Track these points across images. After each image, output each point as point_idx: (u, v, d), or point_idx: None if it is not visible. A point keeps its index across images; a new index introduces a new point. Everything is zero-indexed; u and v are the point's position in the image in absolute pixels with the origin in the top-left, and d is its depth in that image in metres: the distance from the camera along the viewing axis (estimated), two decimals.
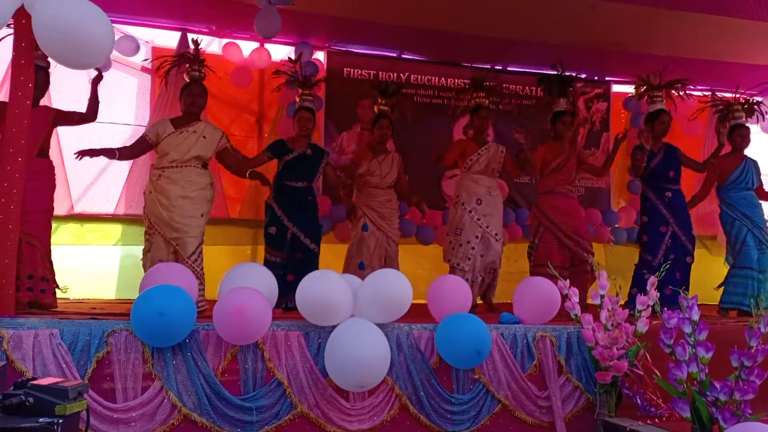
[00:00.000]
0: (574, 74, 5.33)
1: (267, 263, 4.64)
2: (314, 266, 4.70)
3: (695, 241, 5.19)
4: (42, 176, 4.28)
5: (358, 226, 5.18)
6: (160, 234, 4.29)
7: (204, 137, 4.44)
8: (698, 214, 6.90)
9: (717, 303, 5.38)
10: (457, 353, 3.37)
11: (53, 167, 4.47)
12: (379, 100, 5.41)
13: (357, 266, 5.03)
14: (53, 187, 4.44)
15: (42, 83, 4.24)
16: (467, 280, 4.92)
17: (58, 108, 4.53)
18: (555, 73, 5.28)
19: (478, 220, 5.07)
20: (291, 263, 4.68)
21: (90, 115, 4.57)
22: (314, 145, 5.14)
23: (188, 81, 4.59)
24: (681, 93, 5.38)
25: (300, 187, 4.84)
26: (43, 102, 4.56)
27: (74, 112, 4.52)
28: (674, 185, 5.22)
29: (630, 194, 7.38)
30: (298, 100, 5.10)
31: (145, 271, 4.33)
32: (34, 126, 4.09)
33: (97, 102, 4.57)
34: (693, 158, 5.59)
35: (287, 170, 4.85)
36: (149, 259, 4.32)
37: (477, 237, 5.05)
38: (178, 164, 4.34)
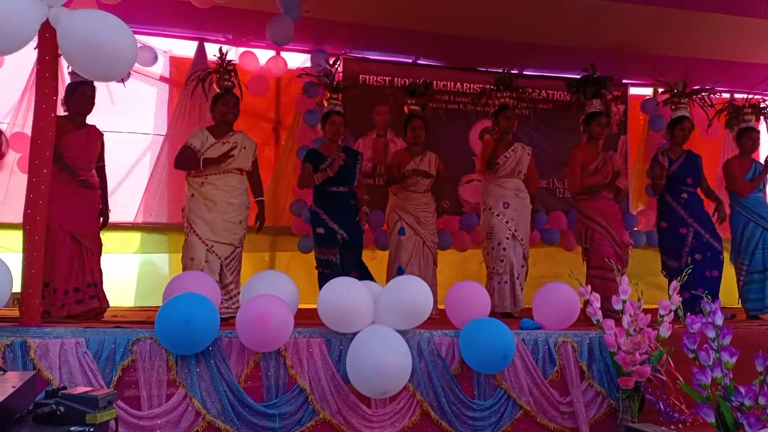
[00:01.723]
0: (607, 75, 5.24)
1: (321, 262, 4.72)
2: (360, 265, 4.75)
3: (721, 239, 5.14)
4: (95, 189, 4.36)
5: (394, 231, 5.09)
6: (196, 234, 4.30)
7: (244, 148, 4.50)
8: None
9: (735, 306, 5.33)
10: (482, 358, 3.37)
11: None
12: (409, 101, 5.35)
13: (396, 272, 4.96)
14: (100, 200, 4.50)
15: (89, 97, 4.28)
16: (505, 282, 4.96)
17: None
18: (587, 74, 5.19)
19: (507, 223, 5.03)
20: (347, 262, 4.70)
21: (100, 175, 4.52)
22: (347, 147, 5.09)
23: (220, 91, 4.60)
24: (705, 102, 5.33)
25: (342, 192, 4.83)
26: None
27: (102, 162, 4.49)
28: (692, 188, 5.19)
29: (648, 197, 7.34)
30: (326, 104, 5.09)
31: (184, 263, 4.37)
32: (91, 142, 4.27)
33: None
34: (707, 177, 5.48)
35: (328, 177, 4.79)
36: (184, 258, 4.35)
37: (508, 239, 5.02)
38: (220, 172, 4.40)
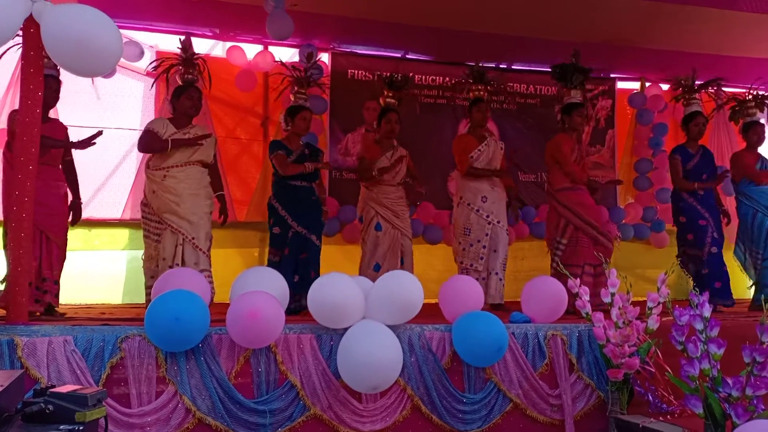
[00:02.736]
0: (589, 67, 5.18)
1: (270, 264, 4.63)
2: (317, 263, 4.69)
3: (724, 239, 5.26)
4: (62, 183, 4.32)
5: (371, 227, 5.05)
6: (168, 227, 4.26)
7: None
8: None
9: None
10: (476, 351, 3.38)
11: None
12: (386, 93, 5.29)
13: (372, 268, 4.94)
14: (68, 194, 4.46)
15: (54, 91, 4.25)
16: (483, 279, 4.89)
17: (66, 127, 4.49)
18: (571, 63, 5.11)
19: (487, 217, 4.96)
20: (294, 263, 4.63)
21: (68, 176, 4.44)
22: (308, 143, 5.02)
23: (182, 84, 4.56)
24: (714, 92, 5.43)
25: (303, 186, 4.77)
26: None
27: (70, 156, 4.42)
28: (706, 185, 5.27)
29: (636, 191, 7.39)
30: (293, 98, 4.99)
31: (146, 276, 4.35)
32: (57, 134, 4.21)
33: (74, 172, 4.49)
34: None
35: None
36: (156, 257, 4.31)
37: (487, 235, 4.96)
38: (182, 164, 4.36)
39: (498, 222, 4.99)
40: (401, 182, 5.15)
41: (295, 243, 4.65)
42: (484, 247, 4.95)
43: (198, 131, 4.47)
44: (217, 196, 4.62)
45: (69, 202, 4.39)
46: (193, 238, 4.29)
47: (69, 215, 4.38)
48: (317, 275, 4.53)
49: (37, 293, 4.07)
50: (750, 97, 5.52)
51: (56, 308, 4.23)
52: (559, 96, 5.25)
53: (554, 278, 3.95)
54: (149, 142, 4.37)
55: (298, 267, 4.63)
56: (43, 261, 4.12)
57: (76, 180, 4.49)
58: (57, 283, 4.25)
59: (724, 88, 6.86)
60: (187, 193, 4.31)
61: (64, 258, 4.29)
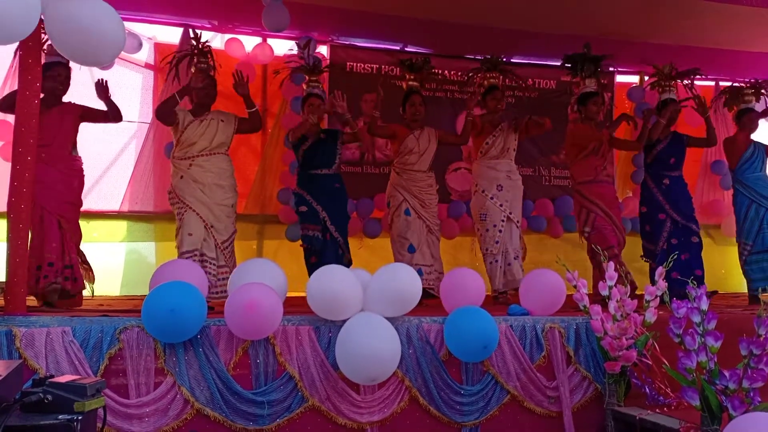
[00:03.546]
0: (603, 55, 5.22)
1: (306, 239, 4.65)
2: (338, 256, 4.64)
3: (698, 223, 5.23)
4: (77, 172, 4.33)
5: (400, 211, 4.95)
6: (194, 211, 4.26)
7: (222, 121, 4.47)
8: (702, 203, 6.91)
9: (725, 291, 5.41)
10: (464, 347, 3.39)
11: (82, 163, 4.48)
12: (408, 76, 5.25)
13: (407, 248, 4.88)
14: (83, 183, 4.45)
15: (64, 79, 4.24)
16: (496, 262, 4.92)
17: (83, 105, 4.50)
18: (582, 53, 5.18)
19: (501, 206, 4.98)
20: (325, 243, 4.63)
21: (114, 116, 4.53)
22: (325, 129, 4.98)
23: (195, 73, 4.56)
24: (690, 83, 5.41)
25: (325, 174, 4.76)
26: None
27: (100, 111, 4.49)
28: (674, 172, 5.26)
29: (634, 184, 7.38)
30: (305, 87, 5.01)
31: (179, 246, 4.33)
32: (66, 121, 4.20)
33: (115, 106, 4.52)
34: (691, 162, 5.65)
35: (307, 159, 4.77)
36: (181, 235, 4.30)
37: (503, 221, 4.97)
38: (207, 152, 4.37)
39: (510, 214, 5.02)
40: (430, 168, 5.09)
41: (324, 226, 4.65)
42: (500, 231, 4.96)
43: (215, 115, 4.48)
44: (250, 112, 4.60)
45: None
46: (212, 226, 4.29)
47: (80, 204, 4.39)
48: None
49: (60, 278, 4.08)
50: (747, 84, 5.53)
51: (71, 292, 4.19)
52: (569, 88, 5.26)
53: (553, 271, 3.95)
54: (164, 107, 4.42)
55: (321, 249, 4.64)
56: (64, 246, 4.12)
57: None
58: (71, 267, 4.20)
59: (722, 82, 6.88)
60: (211, 183, 4.32)
61: (80, 242, 4.31)
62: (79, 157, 4.40)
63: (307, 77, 5.02)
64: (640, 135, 5.30)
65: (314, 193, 4.71)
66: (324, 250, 4.61)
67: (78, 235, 4.30)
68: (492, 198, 5.00)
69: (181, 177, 4.34)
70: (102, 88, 4.47)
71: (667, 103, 5.28)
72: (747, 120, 5.45)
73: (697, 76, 5.50)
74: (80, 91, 4.81)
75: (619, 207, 5.20)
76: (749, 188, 5.33)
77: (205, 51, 4.60)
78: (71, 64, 4.19)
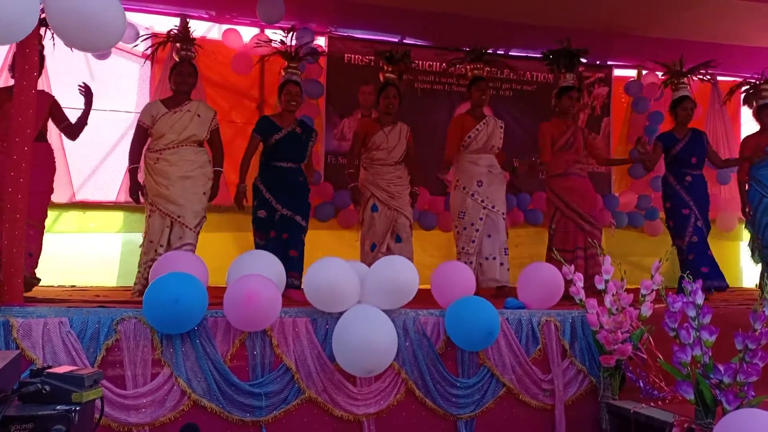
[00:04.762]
0: (582, 48, 5.23)
1: (257, 247, 4.52)
2: (298, 242, 4.56)
3: (710, 228, 5.28)
4: (42, 160, 4.27)
5: (367, 208, 4.94)
6: (158, 210, 4.28)
7: (198, 116, 4.42)
8: None
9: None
10: (468, 335, 3.39)
11: (52, 150, 4.49)
12: (385, 68, 5.18)
13: (369, 248, 4.88)
14: (54, 170, 4.46)
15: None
16: (470, 263, 4.85)
17: (56, 98, 4.48)
18: (561, 48, 5.19)
19: (482, 202, 4.93)
20: (281, 245, 4.49)
21: (73, 132, 4.50)
22: (302, 121, 4.85)
23: (177, 60, 4.55)
24: (706, 78, 5.45)
25: (289, 168, 4.61)
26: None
27: (65, 117, 4.46)
28: (696, 170, 5.26)
29: (631, 178, 7.41)
30: (283, 73, 4.88)
31: (142, 255, 4.35)
32: (40, 106, 4.08)
33: (83, 122, 4.52)
34: (716, 151, 5.65)
35: (275, 150, 4.60)
36: (146, 240, 4.34)
37: (481, 219, 4.92)
38: (174, 145, 4.34)
39: (493, 207, 4.96)
40: (400, 161, 5.02)
41: (280, 225, 4.53)
42: (477, 230, 4.92)
43: (193, 106, 4.43)
44: (214, 171, 4.54)
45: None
46: (179, 217, 4.28)
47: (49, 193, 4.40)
48: (299, 255, 4.51)
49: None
50: (764, 80, 5.51)
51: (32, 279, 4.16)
52: (556, 83, 5.27)
53: (550, 265, 3.96)
54: (131, 145, 4.51)
55: (284, 246, 4.51)
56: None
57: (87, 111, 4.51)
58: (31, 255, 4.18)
59: (720, 77, 6.89)
60: (177, 176, 4.28)
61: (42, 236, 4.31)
62: (48, 144, 4.40)
63: (286, 63, 4.89)
64: (613, 160, 5.55)
65: (273, 188, 4.56)
66: (290, 244, 4.50)
67: (42, 225, 4.30)
68: (473, 195, 4.95)
69: (147, 174, 4.34)
70: (88, 95, 4.45)
71: (680, 101, 5.28)
72: (765, 115, 5.42)
73: (710, 69, 5.50)
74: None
75: (593, 199, 5.16)
76: (762, 183, 5.32)
77: (190, 38, 4.57)
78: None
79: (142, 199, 4.47)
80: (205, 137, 4.48)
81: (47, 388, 2.02)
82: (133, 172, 4.43)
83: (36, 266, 4.27)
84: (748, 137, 5.61)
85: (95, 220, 6.14)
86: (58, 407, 1.98)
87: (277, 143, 4.62)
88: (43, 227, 4.36)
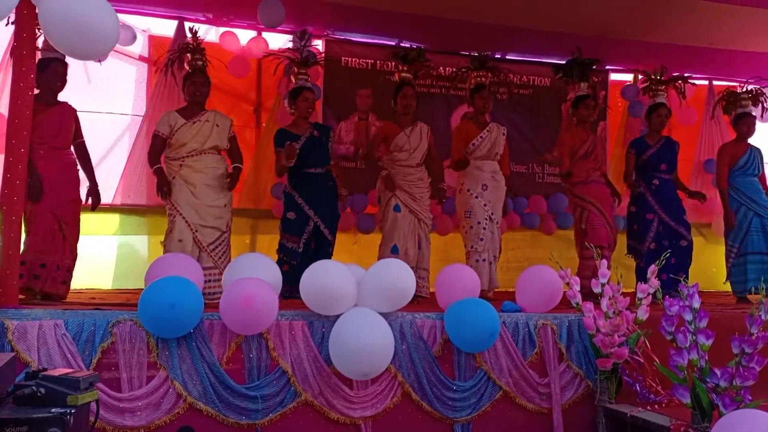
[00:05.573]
0: (593, 58, 5.28)
1: (283, 249, 4.51)
2: (328, 253, 4.59)
3: (689, 226, 5.24)
4: (74, 168, 4.32)
5: (389, 208, 4.85)
6: (182, 216, 4.26)
7: (217, 125, 4.45)
8: (694, 202, 6.93)
9: (716, 290, 5.44)
10: (470, 336, 3.39)
11: (76, 162, 4.46)
12: (401, 68, 5.13)
13: (390, 250, 4.78)
14: (79, 180, 4.44)
15: (61, 75, 4.22)
16: (482, 261, 4.89)
17: (77, 113, 4.44)
18: (572, 59, 5.25)
19: (485, 205, 4.96)
20: (305, 252, 4.49)
21: (82, 155, 4.44)
22: (316, 124, 4.86)
23: (190, 71, 4.56)
24: (682, 88, 5.48)
25: (318, 173, 4.63)
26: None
27: (81, 134, 4.42)
28: (665, 175, 5.28)
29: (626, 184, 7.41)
30: (294, 80, 4.87)
31: (168, 244, 4.32)
32: (65, 119, 4.21)
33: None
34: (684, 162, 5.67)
35: (300, 158, 4.56)
36: (171, 239, 4.30)
37: (486, 219, 4.95)
38: (197, 153, 4.36)
39: (492, 214, 5.00)
40: (421, 162, 4.99)
41: (311, 232, 4.54)
42: (485, 228, 4.94)
43: (210, 117, 4.45)
44: (234, 167, 4.57)
45: (87, 188, 4.39)
46: (196, 231, 4.27)
47: (85, 200, 4.38)
48: None
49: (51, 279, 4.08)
50: (745, 89, 5.56)
51: (55, 296, 4.14)
52: (563, 91, 5.30)
53: (550, 268, 3.95)
54: (150, 155, 4.45)
55: (308, 257, 4.41)
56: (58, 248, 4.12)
57: (90, 162, 4.47)
58: (69, 271, 4.22)
59: (716, 82, 6.92)
60: (203, 183, 4.31)
61: (77, 245, 4.29)
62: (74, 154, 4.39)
63: (296, 69, 4.90)
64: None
65: (306, 194, 4.56)
66: (303, 262, 4.34)
67: (77, 236, 4.29)
68: (477, 197, 4.96)
69: (173, 178, 4.33)
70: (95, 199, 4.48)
71: (655, 108, 5.31)
72: (743, 124, 5.47)
73: (689, 81, 5.58)
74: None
75: (612, 206, 5.23)
76: (739, 192, 5.35)
77: (201, 48, 4.58)
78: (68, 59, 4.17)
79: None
80: (226, 146, 4.54)
81: (42, 390, 2.02)
82: (158, 170, 4.37)
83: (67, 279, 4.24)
84: (724, 146, 5.63)
85: (91, 222, 6.08)
86: (53, 410, 1.98)
87: (300, 152, 4.57)
88: (77, 237, 4.32)
